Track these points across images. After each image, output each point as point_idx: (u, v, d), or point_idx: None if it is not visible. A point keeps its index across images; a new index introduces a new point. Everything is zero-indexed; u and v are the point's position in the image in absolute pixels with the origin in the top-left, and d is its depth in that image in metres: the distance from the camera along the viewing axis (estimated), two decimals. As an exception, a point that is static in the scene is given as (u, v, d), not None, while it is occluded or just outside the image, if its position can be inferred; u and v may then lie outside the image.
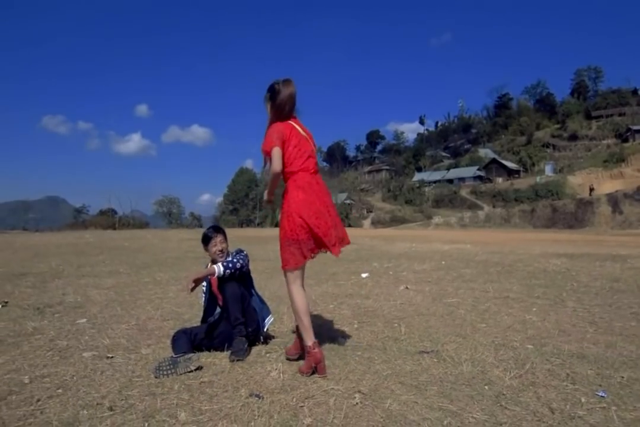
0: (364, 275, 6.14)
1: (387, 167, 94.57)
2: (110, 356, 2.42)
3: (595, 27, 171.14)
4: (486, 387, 1.92)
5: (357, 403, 1.75)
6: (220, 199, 76.10)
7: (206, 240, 2.76)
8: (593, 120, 77.72)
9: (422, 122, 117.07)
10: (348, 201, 72.83)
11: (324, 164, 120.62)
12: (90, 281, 5.72)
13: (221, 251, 2.71)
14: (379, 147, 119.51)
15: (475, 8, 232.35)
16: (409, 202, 68.56)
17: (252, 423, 1.58)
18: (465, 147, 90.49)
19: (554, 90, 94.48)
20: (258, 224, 68.47)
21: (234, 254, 2.77)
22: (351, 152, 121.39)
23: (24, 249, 11.13)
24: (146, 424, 1.56)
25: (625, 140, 66.43)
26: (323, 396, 1.83)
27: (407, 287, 4.99)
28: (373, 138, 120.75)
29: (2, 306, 3.91)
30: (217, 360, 2.37)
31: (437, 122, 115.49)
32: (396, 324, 3.14)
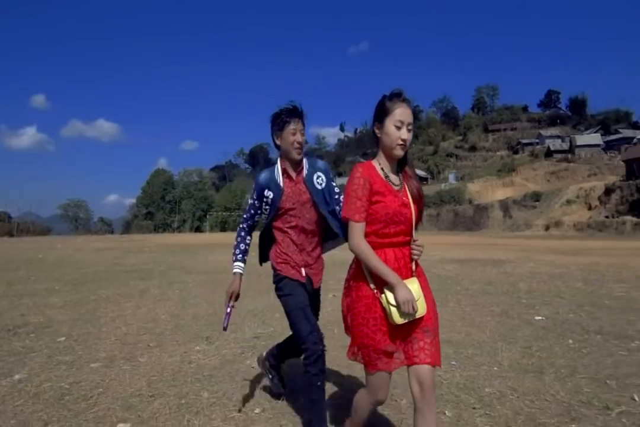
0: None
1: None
2: (115, 365, 3.12)
3: (495, 47, 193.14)
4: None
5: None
6: (131, 200, 71.82)
7: (281, 124, 2.05)
8: (490, 133, 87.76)
9: (342, 129, 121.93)
10: (271, 205, 73.51)
11: (247, 166, 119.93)
12: (35, 300, 5.92)
13: (300, 144, 2.06)
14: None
15: (391, 20, 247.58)
16: (330, 206, 71.41)
17: (250, 402, 2.49)
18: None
19: (458, 105, 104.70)
20: (176, 229, 65.90)
21: None
22: (274, 155, 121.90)
23: None
24: (183, 401, 2.40)
25: (516, 152, 76.23)
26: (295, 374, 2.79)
27: (334, 295, 6.08)
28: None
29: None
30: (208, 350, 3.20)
31: (356, 129, 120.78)
32: (329, 327, 4.19)
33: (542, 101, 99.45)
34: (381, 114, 1.61)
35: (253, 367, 3.01)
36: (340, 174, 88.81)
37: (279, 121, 2.05)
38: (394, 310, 1.49)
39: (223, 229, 64.03)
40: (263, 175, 2.13)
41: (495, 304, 5.23)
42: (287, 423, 2.18)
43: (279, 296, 2.12)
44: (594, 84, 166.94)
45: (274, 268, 2.16)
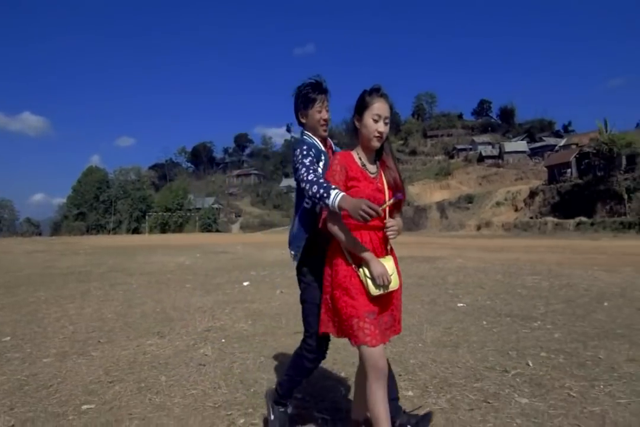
0: (245, 283, 7.34)
1: (256, 172, 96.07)
2: (68, 359, 3.20)
3: (434, 56, 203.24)
4: (331, 345, 3.42)
5: (262, 361, 3.05)
6: (60, 200, 66.92)
7: (307, 102, 1.98)
8: (428, 139, 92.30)
9: (288, 130, 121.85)
10: (216, 205, 71.67)
11: (189, 164, 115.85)
12: (-32, 303, 5.66)
13: (326, 121, 2.02)
14: (247, 151, 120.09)
15: (336, 21, 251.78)
16: (277, 207, 71.23)
17: (202, 379, 2.74)
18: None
19: (400, 110, 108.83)
20: (111, 231, 62.26)
21: None
22: (218, 154, 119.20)
23: None
24: (142, 384, 2.60)
25: (452, 157, 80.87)
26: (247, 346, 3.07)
27: (282, 292, 6.40)
28: (241, 141, 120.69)
29: None
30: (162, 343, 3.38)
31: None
32: (278, 319, 4.50)
33: (475, 110, 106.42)
34: (361, 107, 1.76)
35: (207, 355, 3.25)
36: (287, 175, 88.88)
37: (304, 99, 1.97)
38: (370, 282, 1.64)
39: (163, 231, 61.59)
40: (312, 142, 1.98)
41: (426, 294, 5.83)
42: (241, 396, 2.47)
43: (301, 281, 2.00)
44: (522, 95, 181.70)
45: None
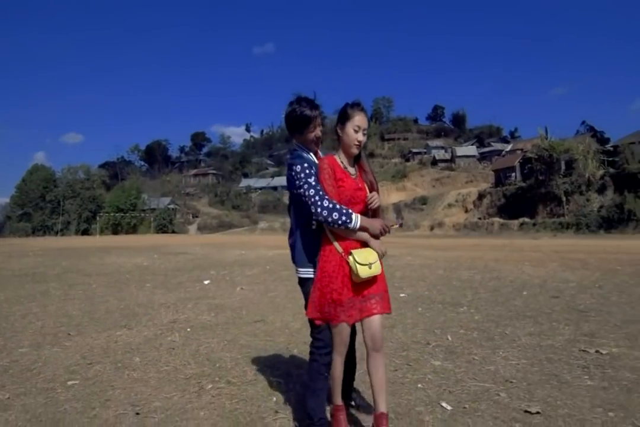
0: (206, 282, 7.66)
1: (214, 172, 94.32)
2: (44, 348, 3.48)
3: (392, 61, 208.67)
4: (286, 331, 3.92)
5: (226, 344, 3.49)
6: (3, 199, 62.74)
7: (306, 121, 2.09)
8: (386, 142, 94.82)
9: (248, 130, 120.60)
10: (172, 206, 69.69)
11: (142, 163, 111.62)
12: None
13: (319, 138, 2.15)
14: (204, 150, 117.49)
15: (297, 21, 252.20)
16: (236, 208, 70.48)
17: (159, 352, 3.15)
18: (288, 156, 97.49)
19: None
20: (59, 232, 59.14)
21: None
22: (174, 153, 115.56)
23: None
24: (119, 364, 2.97)
25: (408, 160, 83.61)
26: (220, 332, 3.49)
27: (242, 288, 6.80)
28: (198, 140, 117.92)
29: None
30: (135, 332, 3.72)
31: (262, 130, 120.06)
32: (239, 311, 4.93)
33: (430, 115, 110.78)
34: (343, 118, 2.02)
35: (175, 341, 3.64)
36: (246, 175, 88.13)
37: (299, 122, 2.09)
38: (359, 267, 1.86)
39: (115, 232, 59.29)
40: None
41: (374, 288, 6.46)
42: (208, 370, 2.91)
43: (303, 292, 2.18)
44: (472, 101, 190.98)
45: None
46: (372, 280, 1.96)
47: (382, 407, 1.91)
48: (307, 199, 1.93)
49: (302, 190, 1.96)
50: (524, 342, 3.49)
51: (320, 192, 1.94)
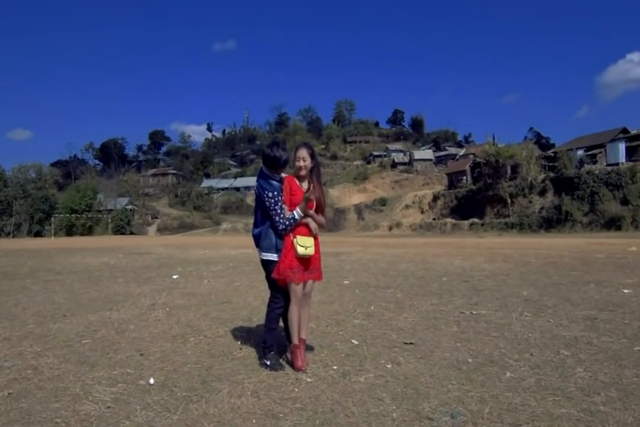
0: (174, 276, 8.48)
1: (174, 172, 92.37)
2: (46, 325, 4.31)
3: (355, 63, 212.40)
4: (248, 307, 4.95)
5: (200, 317, 4.48)
6: (-51, 201, 58.93)
7: (276, 162, 3.02)
8: (348, 144, 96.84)
9: (209, 129, 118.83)
10: (130, 206, 67.77)
11: (97, 162, 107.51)
12: None
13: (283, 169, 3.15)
14: (163, 149, 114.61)
15: (259, 19, 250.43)
16: (197, 208, 69.73)
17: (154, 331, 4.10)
18: (251, 157, 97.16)
19: (322, 115, 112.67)
20: (10, 234, 56.47)
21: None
22: (131, 152, 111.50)
23: None
24: (118, 330, 3.90)
25: (369, 162, 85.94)
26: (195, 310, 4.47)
27: (209, 281, 7.72)
28: (157, 138, 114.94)
29: None
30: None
31: (224, 130, 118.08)
32: (208, 296, 5.91)
33: (390, 119, 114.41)
34: (295, 151, 3.04)
35: (158, 316, 4.58)
36: (208, 175, 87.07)
37: (276, 164, 3.04)
38: (299, 247, 2.88)
39: (70, 234, 57.28)
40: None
41: (325, 277, 7.59)
42: (189, 331, 3.90)
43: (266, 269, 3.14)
44: (430, 106, 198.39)
45: None
46: (312, 258, 3.01)
47: (302, 334, 3.01)
48: (274, 217, 2.98)
49: (272, 212, 2.96)
50: (424, 309, 4.73)
51: (282, 214, 2.94)
